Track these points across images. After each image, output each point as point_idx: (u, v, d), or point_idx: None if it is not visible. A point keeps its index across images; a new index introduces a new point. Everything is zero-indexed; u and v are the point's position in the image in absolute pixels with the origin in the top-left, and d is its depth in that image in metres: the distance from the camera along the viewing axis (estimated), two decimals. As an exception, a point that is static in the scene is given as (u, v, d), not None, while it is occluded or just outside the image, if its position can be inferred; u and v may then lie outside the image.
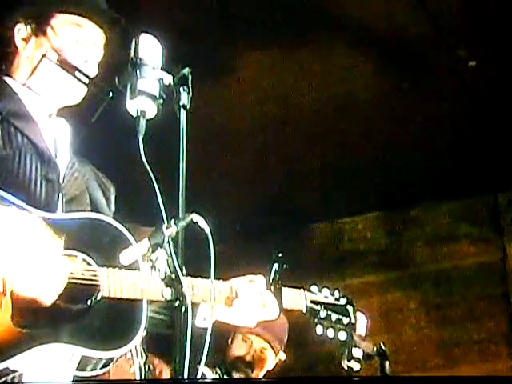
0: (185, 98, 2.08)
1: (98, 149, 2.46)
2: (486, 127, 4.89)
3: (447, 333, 5.50)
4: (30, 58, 2.32)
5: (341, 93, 4.62)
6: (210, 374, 3.90)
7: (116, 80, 2.10)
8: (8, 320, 1.96)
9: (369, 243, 5.95)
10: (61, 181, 2.25)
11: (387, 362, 3.05)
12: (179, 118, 2.06)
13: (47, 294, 2.00)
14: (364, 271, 5.80)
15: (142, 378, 2.27)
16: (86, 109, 2.29)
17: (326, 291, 2.68)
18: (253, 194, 5.47)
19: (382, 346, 3.03)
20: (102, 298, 2.07)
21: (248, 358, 4.02)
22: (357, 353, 2.76)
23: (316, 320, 2.61)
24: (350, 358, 2.76)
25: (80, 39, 2.33)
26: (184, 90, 2.08)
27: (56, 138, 2.33)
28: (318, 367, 5.54)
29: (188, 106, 2.08)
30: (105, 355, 2.08)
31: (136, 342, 2.10)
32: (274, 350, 4.05)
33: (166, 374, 3.58)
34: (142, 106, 2.05)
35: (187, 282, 2.16)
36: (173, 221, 1.97)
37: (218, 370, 3.96)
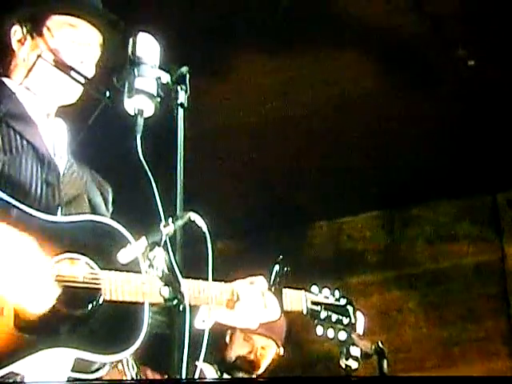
0: (182, 97, 2.08)
1: (96, 148, 2.47)
2: (486, 127, 4.90)
3: (446, 332, 5.51)
4: (27, 59, 2.33)
5: (339, 92, 4.62)
6: (210, 370, 3.90)
7: (114, 79, 2.10)
8: (11, 325, 1.96)
9: (368, 242, 5.95)
10: (60, 182, 2.25)
11: (385, 361, 3.05)
12: (177, 117, 2.06)
13: (47, 300, 2.00)
14: (363, 270, 5.81)
15: (134, 374, 2.26)
16: (84, 109, 2.29)
17: (326, 291, 2.67)
18: (252, 193, 5.47)
19: (380, 345, 3.03)
20: (103, 301, 2.07)
21: (251, 357, 4.02)
22: (355, 351, 2.76)
23: (316, 321, 2.61)
24: (348, 356, 2.76)
25: (76, 40, 2.33)
26: (182, 88, 2.08)
27: (54, 138, 2.33)
28: (317, 366, 5.55)
29: (186, 105, 2.09)
30: (107, 359, 2.08)
31: (138, 345, 2.09)
32: (275, 346, 4.06)
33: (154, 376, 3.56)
34: (139, 104, 2.05)
35: (187, 285, 2.17)
36: (170, 219, 1.97)
37: (216, 367, 3.96)
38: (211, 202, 4.01)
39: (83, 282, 2.06)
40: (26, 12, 2.37)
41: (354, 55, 4.33)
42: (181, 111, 2.08)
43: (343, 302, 2.69)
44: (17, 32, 2.37)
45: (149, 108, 2.07)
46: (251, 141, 4.99)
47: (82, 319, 2.04)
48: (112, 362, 2.12)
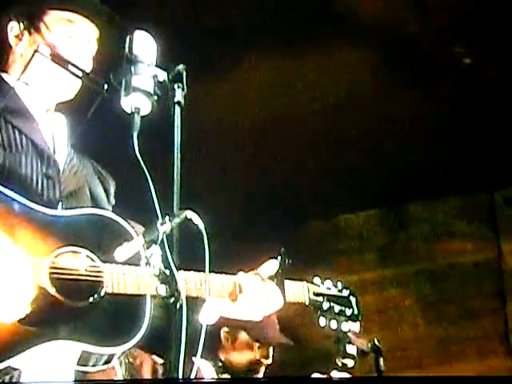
0: (179, 95, 2.07)
1: (94, 146, 2.46)
2: (483, 126, 4.90)
3: (443, 330, 5.51)
4: (24, 54, 2.33)
5: (338, 91, 4.62)
6: (207, 366, 3.89)
7: (110, 76, 2.10)
8: (11, 318, 1.96)
9: (365, 240, 5.96)
10: (60, 176, 2.25)
11: (381, 359, 3.06)
12: (174, 115, 2.06)
13: (48, 292, 2.00)
14: (360, 268, 5.81)
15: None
16: (83, 103, 2.29)
17: (328, 283, 2.66)
18: (249, 192, 5.47)
19: (377, 343, 3.03)
20: (105, 294, 2.07)
21: (255, 367, 4.02)
22: (351, 350, 2.77)
23: (319, 312, 2.59)
24: (345, 354, 2.76)
25: (73, 35, 2.34)
26: (178, 86, 2.08)
27: (54, 132, 2.34)
28: (314, 364, 5.55)
29: (183, 103, 2.08)
30: (109, 351, 2.07)
31: (140, 337, 2.09)
32: (273, 353, 4.07)
33: (148, 365, 3.56)
34: (136, 102, 2.05)
35: (188, 277, 2.17)
36: (167, 217, 1.97)
37: (212, 363, 3.95)
38: (208, 200, 4.01)
39: (85, 275, 2.06)
40: (23, 8, 2.38)
41: (354, 54, 4.34)
42: (178, 109, 2.08)
43: (346, 293, 2.68)
44: (14, 28, 2.37)
45: (145, 106, 2.06)
46: (250, 139, 4.99)
47: (84, 312, 2.04)
48: (113, 355, 2.12)
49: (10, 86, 2.30)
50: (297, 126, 4.89)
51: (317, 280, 2.63)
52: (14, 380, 1.99)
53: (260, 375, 4.02)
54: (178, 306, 1.96)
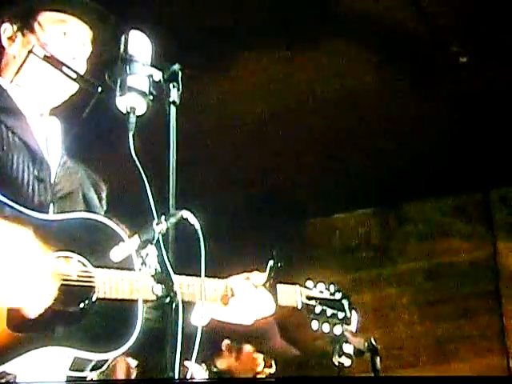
0: (175, 95, 2.07)
1: (89, 145, 2.46)
2: (479, 125, 4.90)
3: (439, 329, 5.52)
4: (17, 56, 2.32)
5: (335, 90, 4.62)
6: (199, 369, 3.88)
7: (106, 76, 2.09)
8: (4, 324, 1.95)
9: (361, 239, 5.96)
10: (52, 180, 2.24)
11: (378, 358, 3.05)
12: (169, 114, 2.06)
13: (41, 298, 2.00)
14: (356, 267, 5.81)
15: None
16: (77, 105, 2.29)
17: (321, 286, 2.66)
18: (245, 190, 5.47)
19: (373, 342, 3.03)
20: (97, 299, 2.06)
21: (258, 375, 4.02)
22: (348, 349, 2.76)
23: (311, 316, 2.59)
24: (341, 353, 2.75)
25: (67, 36, 2.33)
26: (174, 86, 2.08)
27: (47, 135, 2.32)
28: (311, 363, 5.55)
29: (178, 103, 2.08)
30: (101, 357, 2.07)
31: (132, 342, 2.09)
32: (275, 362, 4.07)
33: (121, 367, 3.54)
34: (131, 102, 2.04)
35: (181, 281, 2.16)
36: (163, 217, 1.96)
37: (204, 366, 3.94)
38: (204, 199, 4.01)
39: (76, 280, 2.05)
40: (16, 9, 2.37)
41: (353, 54, 4.34)
42: (173, 109, 2.07)
43: (338, 296, 2.67)
44: (7, 29, 2.36)
45: (141, 106, 2.06)
46: (247, 138, 4.99)
47: (76, 317, 2.04)
48: (106, 360, 2.11)
49: (3, 88, 2.29)
50: (294, 124, 4.89)
51: (309, 283, 2.63)
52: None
53: None
54: (173, 305, 1.95)
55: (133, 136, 2.02)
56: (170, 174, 2.02)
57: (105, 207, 2.42)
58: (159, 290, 1.97)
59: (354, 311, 2.73)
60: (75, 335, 2.03)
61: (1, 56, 2.35)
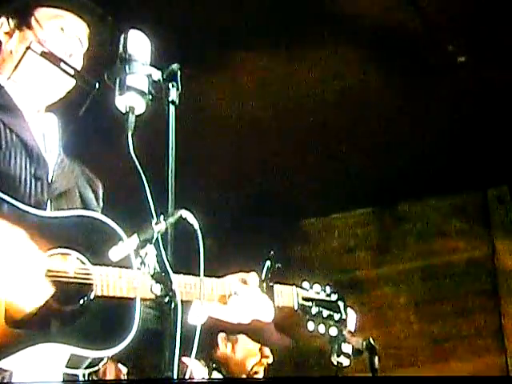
0: (174, 94, 2.07)
1: (87, 143, 2.46)
2: (476, 124, 4.91)
3: (437, 328, 5.52)
4: (14, 51, 2.32)
5: (333, 90, 4.62)
6: (198, 366, 3.88)
7: (105, 76, 2.09)
8: (1, 320, 1.95)
9: (359, 239, 5.96)
10: (50, 177, 2.24)
11: (376, 357, 3.06)
12: (168, 114, 2.06)
13: (38, 295, 2.00)
14: (354, 267, 5.81)
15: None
16: (74, 102, 2.29)
17: (317, 287, 2.67)
18: (243, 190, 5.47)
19: (371, 341, 3.03)
20: (95, 297, 2.06)
21: (256, 369, 4.01)
22: (346, 348, 2.76)
23: (308, 316, 2.60)
24: (340, 353, 2.76)
25: (64, 31, 2.33)
26: (173, 85, 2.08)
27: (45, 133, 2.32)
28: (309, 362, 5.56)
29: (177, 102, 2.08)
30: (98, 355, 2.07)
31: (129, 340, 2.09)
32: (268, 356, 4.07)
33: (111, 372, 3.54)
34: (130, 101, 2.05)
35: (179, 280, 2.17)
36: (162, 217, 1.96)
37: (203, 362, 3.94)
38: (203, 199, 4.01)
39: (74, 278, 2.05)
40: (13, 5, 2.37)
41: (352, 52, 4.34)
42: (172, 108, 2.07)
43: (334, 297, 2.69)
44: (3, 25, 2.36)
45: (140, 105, 2.06)
46: (246, 138, 4.99)
47: (73, 314, 2.04)
48: (103, 358, 2.11)
49: (0, 85, 2.29)
50: (293, 124, 4.89)
51: (306, 284, 2.64)
52: (5, 381, 1.98)
53: (261, 375, 4.02)
54: (172, 305, 1.95)
55: (132, 135, 2.02)
56: (169, 173, 2.02)
57: (101, 205, 2.42)
58: (158, 289, 1.97)
59: (352, 311, 2.74)
60: (72, 332, 2.03)
61: None
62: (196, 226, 2.02)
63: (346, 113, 4.81)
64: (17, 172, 2.16)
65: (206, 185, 5.23)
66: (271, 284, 2.49)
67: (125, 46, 2.07)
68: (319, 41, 4.24)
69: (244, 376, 3.99)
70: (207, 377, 3.86)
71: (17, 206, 2.06)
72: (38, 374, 2.05)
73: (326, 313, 2.62)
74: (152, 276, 1.96)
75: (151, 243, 1.95)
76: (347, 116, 4.85)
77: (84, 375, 2.17)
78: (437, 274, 5.63)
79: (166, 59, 2.13)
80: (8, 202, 2.05)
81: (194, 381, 2.78)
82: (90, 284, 2.06)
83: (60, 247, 2.06)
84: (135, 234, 1.99)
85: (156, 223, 1.96)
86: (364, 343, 2.97)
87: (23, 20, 2.33)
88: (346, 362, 2.79)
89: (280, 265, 2.51)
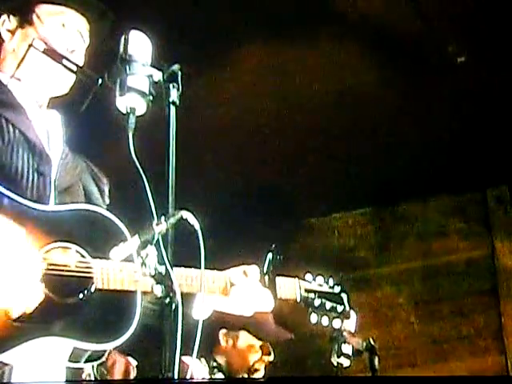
0: (174, 95, 2.07)
1: (89, 145, 2.46)
2: (476, 124, 4.91)
3: (437, 328, 5.52)
4: (17, 49, 2.32)
5: (333, 89, 4.62)
6: (198, 364, 3.87)
7: (105, 76, 2.09)
8: (2, 314, 1.95)
9: (359, 239, 5.96)
10: (53, 173, 2.25)
11: (376, 358, 3.05)
12: (169, 115, 2.06)
13: (38, 289, 2.00)
14: (354, 267, 5.81)
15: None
16: (76, 99, 2.29)
17: (320, 279, 2.66)
18: (243, 191, 5.46)
19: (372, 342, 3.03)
20: (95, 290, 2.07)
21: (257, 366, 4.01)
22: (346, 349, 2.76)
23: (310, 309, 2.59)
24: (340, 354, 2.76)
25: (66, 28, 2.34)
26: (174, 86, 2.08)
27: (48, 129, 2.33)
28: (308, 362, 5.56)
29: (178, 103, 2.08)
30: (99, 348, 2.08)
31: (131, 333, 2.09)
32: (270, 353, 4.06)
33: (120, 366, 3.53)
34: (131, 102, 2.05)
35: (181, 273, 2.17)
36: (163, 217, 1.97)
37: (204, 360, 3.93)
38: (203, 199, 4.01)
39: (75, 271, 2.06)
40: (15, 2, 2.37)
41: (352, 52, 4.33)
42: (173, 109, 2.07)
43: (337, 289, 2.68)
44: (5, 22, 2.36)
45: (141, 106, 2.06)
46: (246, 138, 4.98)
47: (74, 308, 2.04)
48: (105, 351, 2.12)
49: (3, 83, 2.29)
50: (292, 124, 4.89)
51: (308, 276, 2.63)
52: (5, 375, 1.99)
53: (261, 373, 4.02)
54: (173, 306, 1.95)
55: (133, 136, 2.03)
56: (170, 174, 2.02)
57: (107, 201, 2.42)
58: (159, 290, 1.97)
59: (352, 311, 2.73)
60: (73, 325, 2.03)
61: None
62: (197, 226, 2.02)
63: (346, 113, 4.81)
64: (19, 167, 2.17)
65: (207, 185, 5.23)
66: (273, 276, 2.49)
67: (125, 47, 2.08)
68: (319, 41, 4.24)
69: (245, 373, 3.98)
70: (208, 376, 3.85)
71: (18, 201, 2.07)
72: (39, 368, 2.05)
73: (329, 305, 2.61)
74: (153, 277, 1.96)
75: (152, 244, 1.95)
76: (347, 116, 4.84)
77: (93, 367, 2.18)
78: (437, 274, 5.62)
79: (167, 59, 2.13)
80: (10, 197, 2.06)
81: (195, 381, 2.78)
82: (91, 277, 2.07)
83: (60, 241, 2.06)
84: (136, 235, 1.99)
85: (157, 224, 1.96)
86: (364, 344, 2.97)
87: (25, 17, 2.34)
88: (346, 362, 2.79)
89: (282, 256, 2.50)
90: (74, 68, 2.26)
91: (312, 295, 2.59)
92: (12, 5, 2.37)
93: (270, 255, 2.49)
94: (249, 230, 5.64)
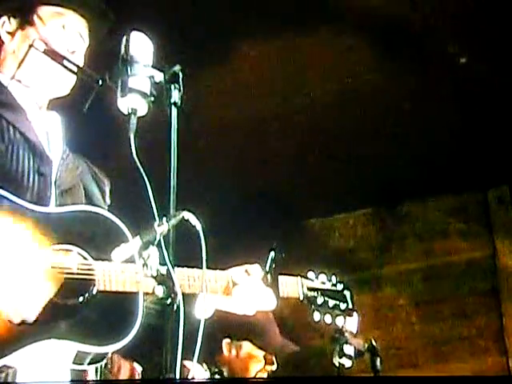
0: (176, 96, 2.07)
1: (90, 146, 2.46)
2: (476, 124, 4.91)
3: (437, 329, 5.52)
4: (17, 50, 2.32)
5: (334, 90, 4.62)
6: (199, 369, 3.87)
7: (106, 77, 2.09)
8: (5, 317, 1.95)
9: (359, 240, 5.96)
10: (53, 174, 2.25)
11: (378, 359, 3.06)
12: (170, 116, 2.06)
13: (41, 291, 2.00)
14: (355, 267, 5.81)
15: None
16: (77, 100, 2.29)
17: (323, 277, 2.65)
18: (244, 191, 5.46)
19: (373, 343, 3.03)
20: (97, 292, 2.07)
21: (259, 376, 4.01)
22: (348, 350, 2.76)
23: (313, 307, 2.58)
24: (342, 355, 2.76)
25: (66, 29, 2.34)
26: (175, 87, 2.08)
27: (48, 130, 2.33)
28: (310, 362, 5.55)
29: (179, 104, 2.08)
30: (101, 350, 2.08)
31: (133, 335, 2.09)
32: (272, 363, 4.06)
33: (125, 371, 3.53)
34: (133, 103, 2.05)
35: (183, 273, 2.17)
36: (164, 218, 1.96)
37: (205, 366, 3.93)
38: (204, 200, 4.01)
39: (77, 273, 2.05)
40: (15, 3, 2.37)
41: (353, 52, 4.33)
42: (174, 110, 2.07)
43: (340, 287, 2.67)
44: (5, 23, 2.36)
45: (142, 107, 2.06)
46: (247, 138, 4.98)
47: (76, 310, 2.04)
48: (106, 353, 2.11)
49: (3, 84, 2.29)
50: (293, 124, 4.88)
51: (311, 274, 2.63)
52: (9, 378, 1.98)
53: None
54: (174, 307, 1.95)
55: (134, 137, 2.02)
56: (171, 174, 2.02)
57: (108, 202, 2.42)
58: (160, 291, 1.97)
59: (355, 313, 2.73)
60: (75, 328, 2.03)
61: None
62: (198, 227, 2.02)
63: (346, 113, 4.81)
64: (20, 168, 2.17)
65: (208, 186, 5.22)
66: (275, 275, 2.48)
67: (126, 48, 2.08)
68: (319, 41, 4.23)
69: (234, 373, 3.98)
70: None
71: (19, 203, 2.07)
72: (43, 371, 2.05)
73: (331, 302, 2.60)
74: (155, 278, 1.96)
75: (153, 245, 1.95)
76: (348, 116, 4.84)
77: (97, 369, 2.18)
78: (437, 275, 5.62)
79: (167, 57, 2.12)
80: (10, 199, 2.06)
81: (196, 381, 2.77)
82: (93, 279, 2.07)
83: (62, 243, 2.07)
84: (137, 236, 1.99)
85: (158, 225, 1.96)
86: (366, 344, 2.97)
87: (25, 19, 2.35)
88: (347, 363, 2.79)
89: (284, 254, 2.50)
90: (75, 69, 2.26)
91: (315, 293, 2.59)
92: (12, 6, 2.37)
93: (271, 253, 2.48)
94: (250, 229, 5.64)
